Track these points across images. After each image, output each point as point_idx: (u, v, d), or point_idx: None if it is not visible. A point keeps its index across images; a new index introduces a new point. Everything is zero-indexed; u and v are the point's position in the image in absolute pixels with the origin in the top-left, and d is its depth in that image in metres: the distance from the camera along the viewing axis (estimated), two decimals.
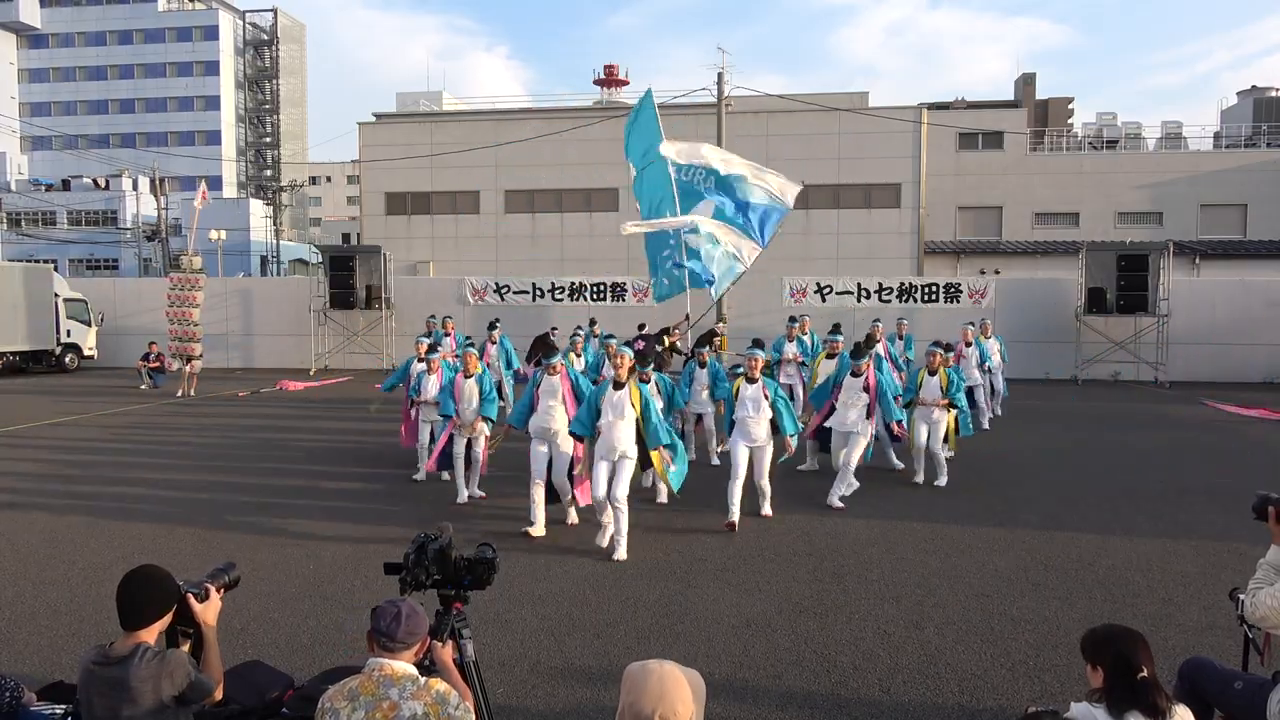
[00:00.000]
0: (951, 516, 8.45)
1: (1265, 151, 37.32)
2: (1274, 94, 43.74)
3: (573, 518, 8.23)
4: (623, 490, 7.22)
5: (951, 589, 6.33)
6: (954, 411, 10.03)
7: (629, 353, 7.84)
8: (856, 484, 9.15)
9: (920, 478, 9.86)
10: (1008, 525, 8.12)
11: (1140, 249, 22.71)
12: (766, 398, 8.16)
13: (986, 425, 13.86)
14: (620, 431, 7.32)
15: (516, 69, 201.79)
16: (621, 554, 7.09)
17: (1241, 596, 3.77)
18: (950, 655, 5.16)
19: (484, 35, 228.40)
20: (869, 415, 9.13)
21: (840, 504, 8.84)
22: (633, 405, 7.38)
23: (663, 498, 9.04)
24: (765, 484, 8.35)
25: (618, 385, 7.45)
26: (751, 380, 8.25)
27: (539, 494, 7.84)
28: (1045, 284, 23.77)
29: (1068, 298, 22.71)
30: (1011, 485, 9.95)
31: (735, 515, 8.01)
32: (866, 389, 9.09)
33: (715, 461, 11.03)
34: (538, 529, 7.73)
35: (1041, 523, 8.21)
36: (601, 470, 7.35)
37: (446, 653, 3.18)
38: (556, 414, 7.87)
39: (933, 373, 9.94)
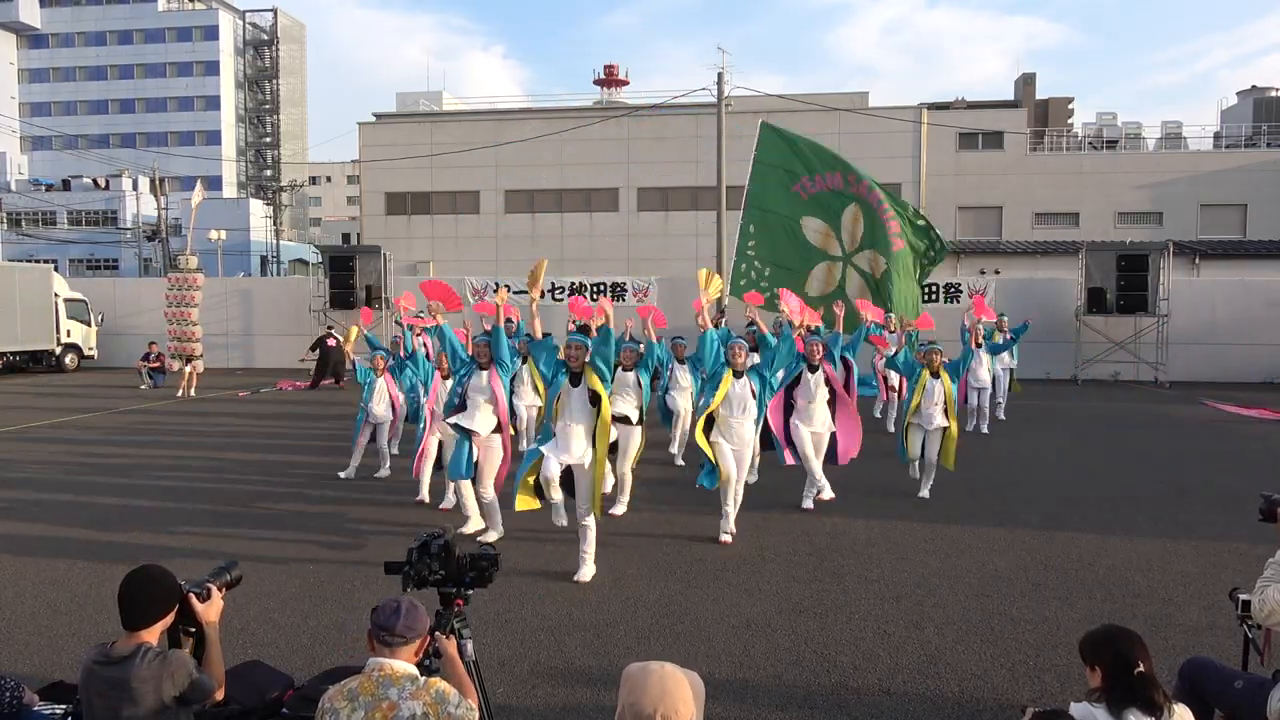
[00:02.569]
0: (951, 516, 8.44)
1: (1265, 151, 37.30)
2: (1274, 94, 43.73)
3: (620, 508, 8.37)
4: (583, 503, 6.60)
5: (951, 589, 6.33)
6: (954, 422, 9.28)
7: (585, 341, 6.71)
8: (826, 483, 8.65)
9: (925, 492, 9.33)
10: (1008, 525, 8.12)
11: (1140, 249, 22.72)
12: (754, 395, 7.48)
13: (986, 429, 13.68)
14: (578, 438, 6.44)
15: (514, 68, 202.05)
16: (585, 573, 6.48)
17: (1242, 596, 3.77)
18: (950, 655, 5.16)
19: (480, 35, 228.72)
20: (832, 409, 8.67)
21: (830, 494, 8.51)
22: (592, 403, 6.48)
23: (621, 509, 8.48)
24: (739, 489, 7.50)
25: (574, 379, 6.49)
26: (738, 374, 7.46)
27: (467, 489, 7.70)
28: (1045, 284, 23.78)
29: (1068, 298, 22.71)
30: (1011, 485, 9.95)
31: (729, 522, 7.52)
32: (828, 382, 8.62)
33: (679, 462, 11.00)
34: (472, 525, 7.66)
35: (1041, 523, 8.21)
36: (553, 466, 6.47)
37: (451, 644, 3.18)
38: (483, 413, 7.33)
39: (935, 375, 9.21)
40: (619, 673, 2.30)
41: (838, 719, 4.43)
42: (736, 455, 7.48)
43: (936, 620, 5.72)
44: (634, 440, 8.58)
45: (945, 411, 9.20)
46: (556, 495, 6.58)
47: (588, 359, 6.46)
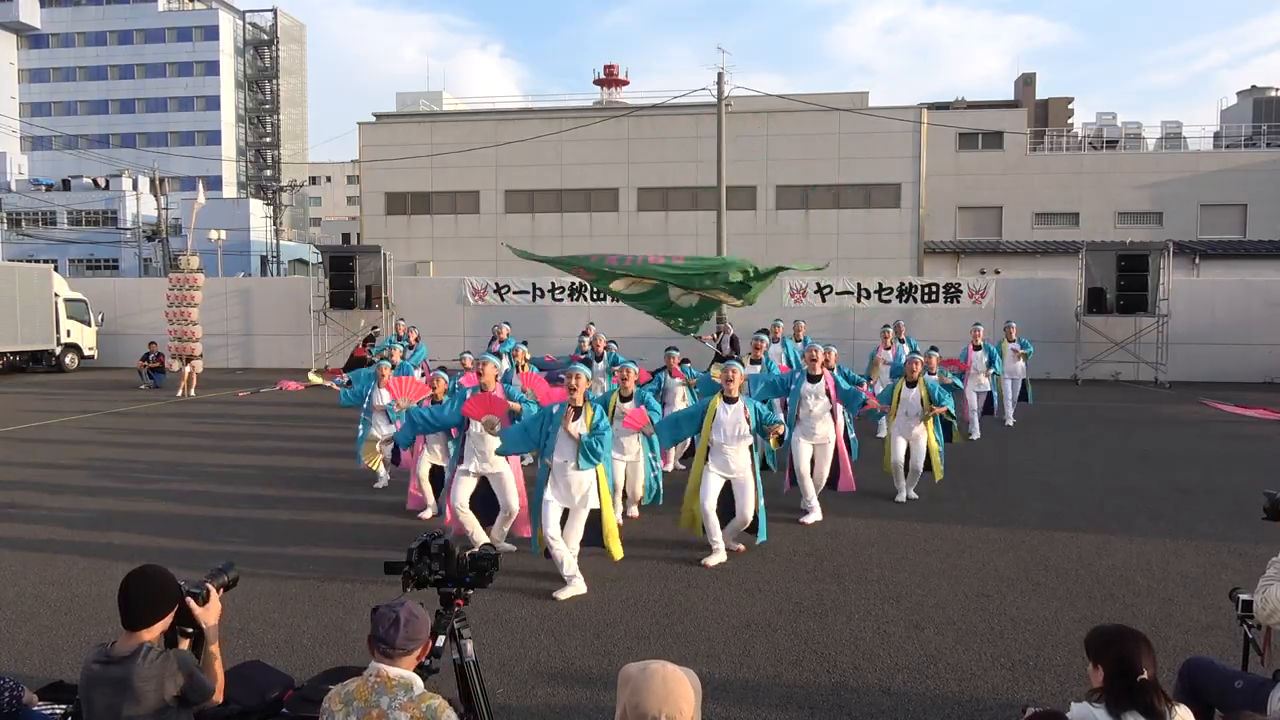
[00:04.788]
0: (951, 516, 8.44)
1: (1265, 151, 37.32)
2: (1274, 94, 43.79)
3: (634, 511, 8.20)
4: (573, 542, 6.30)
5: (951, 589, 6.33)
6: (932, 432, 9.17)
7: (586, 372, 6.44)
8: (816, 506, 8.34)
9: (902, 496, 9.24)
10: (1008, 525, 8.11)
11: (1140, 249, 22.70)
12: (748, 421, 6.87)
13: (977, 435, 13.38)
14: (581, 475, 6.16)
15: (512, 67, 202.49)
16: (566, 592, 6.14)
17: (1243, 596, 3.77)
18: (950, 655, 5.16)
19: (478, 33, 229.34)
20: (834, 420, 8.46)
21: (818, 515, 8.29)
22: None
23: (633, 510, 8.31)
24: (747, 519, 6.96)
25: (576, 412, 6.19)
26: (730, 400, 6.92)
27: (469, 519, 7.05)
28: (1045, 284, 23.78)
29: (1068, 298, 22.71)
30: (1011, 485, 9.95)
31: (720, 553, 6.90)
32: (828, 393, 8.35)
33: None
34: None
35: (1041, 523, 8.21)
36: (552, 511, 6.23)
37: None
38: (492, 443, 6.84)
39: (911, 384, 9.11)
40: (619, 673, 2.30)
41: (838, 719, 4.43)
42: (736, 487, 6.92)
43: (936, 620, 5.72)
44: (639, 470, 8.18)
45: (923, 421, 9.09)
46: (558, 550, 6.24)
47: (587, 394, 6.30)
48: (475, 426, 6.94)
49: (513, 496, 7.10)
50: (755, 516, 6.97)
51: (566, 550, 6.24)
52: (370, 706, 2.72)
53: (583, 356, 11.98)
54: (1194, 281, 25.43)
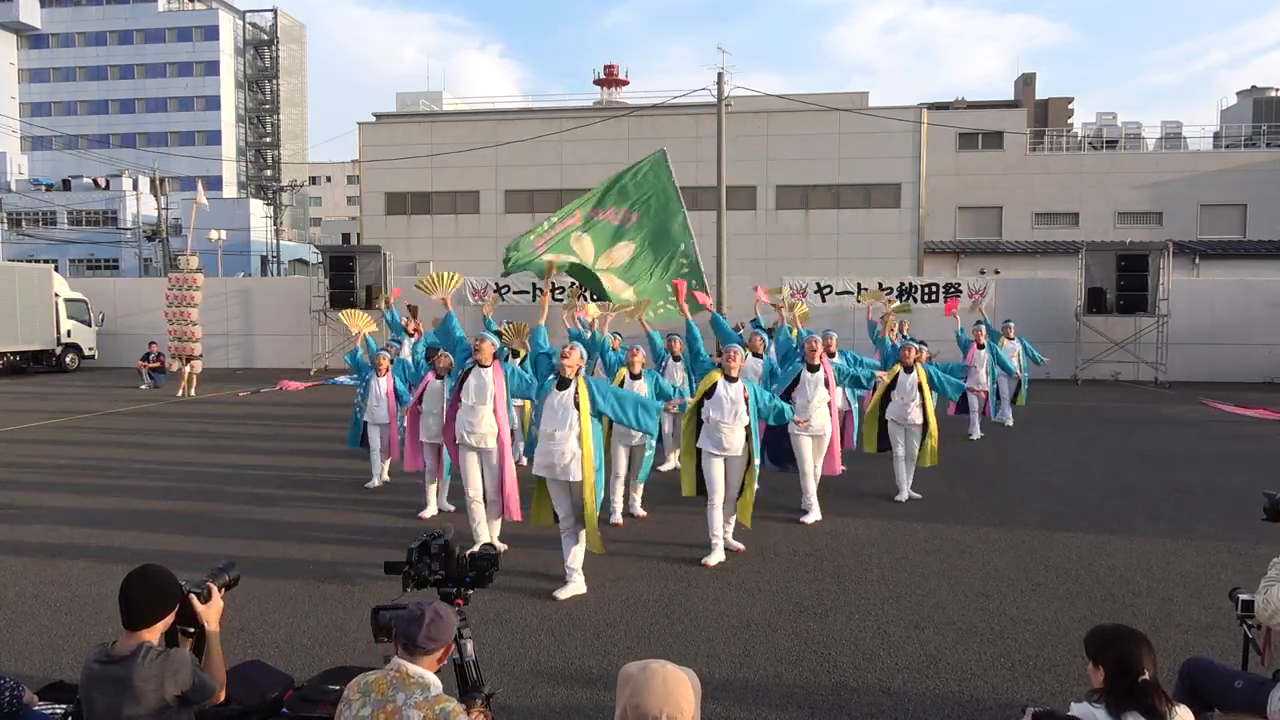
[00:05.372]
0: (951, 516, 8.44)
1: (1265, 151, 37.33)
2: (1274, 94, 43.80)
3: (617, 517, 8.12)
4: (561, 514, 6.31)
5: (951, 589, 6.33)
6: (932, 416, 9.09)
7: (583, 350, 6.44)
8: (816, 505, 8.31)
9: (903, 495, 9.13)
10: (1008, 525, 8.11)
11: (1140, 249, 22.72)
12: (746, 401, 6.88)
13: (978, 435, 13.28)
14: (562, 445, 6.05)
15: (512, 67, 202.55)
16: (566, 591, 6.11)
17: (1243, 596, 3.77)
18: (950, 655, 5.16)
19: (477, 33, 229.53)
20: (832, 412, 8.39)
21: (818, 515, 8.26)
22: (579, 409, 6.08)
23: (638, 508, 8.38)
24: (735, 485, 7.08)
25: (562, 384, 6.19)
26: (731, 379, 6.98)
27: (479, 511, 7.01)
28: (1045, 284, 23.79)
29: (1068, 298, 22.71)
30: (1011, 485, 9.95)
31: (719, 551, 6.93)
32: (826, 383, 8.24)
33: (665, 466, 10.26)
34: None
35: (1041, 523, 8.21)
36: (554, 492, 6.25)
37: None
38: (483, 418, 6.87)
39: (908, 369, 9.07)
40: (619, 672, 2.30)
41: (838, 719, 4.43)
42: (730, 466, 6.97)
43: (936, 620, 5.72)
44: (644, 452, 8.25)
45: (923, 408, 9.04)
46: (567, 542, 6.27)
47: (582, 369, 6.25)
48: (468, 398, 6.91)
49: (492, 480, 6.97)
50: (743, 491, 7.03)
51: (576, 544, 6.26)
52: (386, 700, 2.73)
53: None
54: (1194, 281, 25.44)
